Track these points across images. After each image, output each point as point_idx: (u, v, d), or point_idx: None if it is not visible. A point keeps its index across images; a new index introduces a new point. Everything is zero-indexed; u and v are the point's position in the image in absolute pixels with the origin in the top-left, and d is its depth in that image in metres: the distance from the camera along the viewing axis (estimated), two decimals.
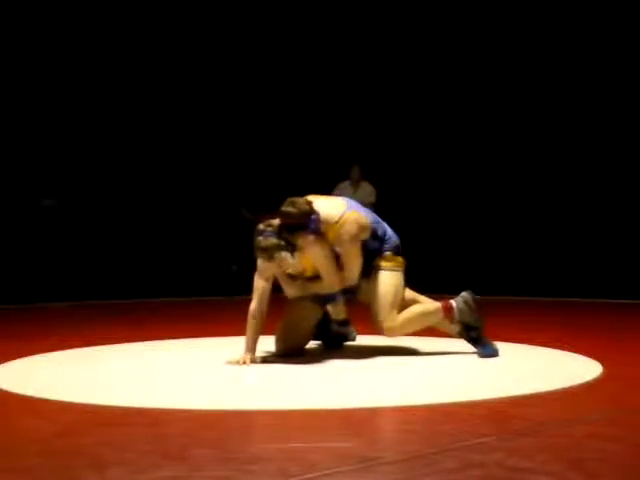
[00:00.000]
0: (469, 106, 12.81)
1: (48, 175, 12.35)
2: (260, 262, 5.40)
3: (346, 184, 11.41)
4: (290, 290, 5.62)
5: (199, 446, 3.30)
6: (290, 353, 5.56)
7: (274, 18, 13.48)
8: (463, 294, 5.65)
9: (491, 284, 9.74)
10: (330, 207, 5.48)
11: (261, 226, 5.32)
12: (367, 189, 11.33)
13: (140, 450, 3.27)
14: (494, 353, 5.54)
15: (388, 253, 5.61)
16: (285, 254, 5.24)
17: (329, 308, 5.74)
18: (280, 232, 5.28)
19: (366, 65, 13.48)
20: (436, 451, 3.21)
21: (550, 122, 12.24)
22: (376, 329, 5.57)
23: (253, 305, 5.41)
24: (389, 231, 5.69)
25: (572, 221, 11.96)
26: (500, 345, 5.88)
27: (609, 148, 11.78)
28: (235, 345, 5.60)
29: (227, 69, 13.39)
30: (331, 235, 5.42)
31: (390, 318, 5.49)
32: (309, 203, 5.35)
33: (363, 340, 6.14)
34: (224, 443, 3.36)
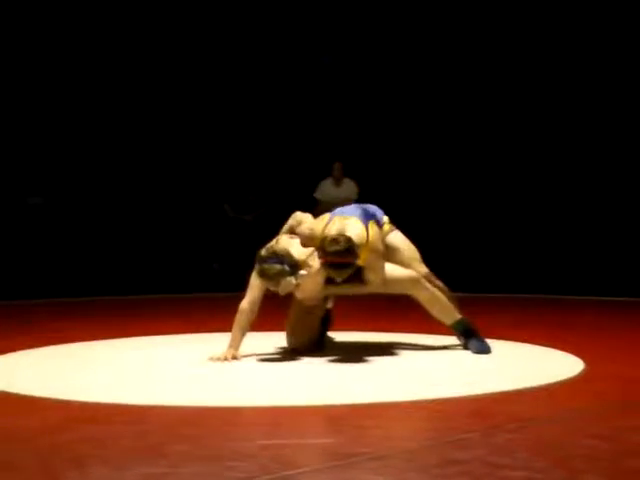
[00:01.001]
0: (460, 103, 12.80)
1: (35, 173, 12.31)
2: (254, 273, 5.35)
3: (328, 182, 11.39)
4: (302, 294, 5.45)
5: (180, 442, 3.28)
6: (301, 348, 5.53)
7: (262, 17, 13.45)
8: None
9: (474, 281, 9.76)
10: (354, 229, 5.34)
11: (263, 252, 5.23)
12: (349, 186, 11.31)
13: (121, 447, 3.25)
14: (487, 350, 5.51)
15: (385, 221, 5.73)
16: (290, 279, 5.18)
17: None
18: (327, 267, 5.15)
19: (350, 63, 13.47)
20: (418, 447, 3.20)
21: (549, 121, 12.24)
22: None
23: (245, 302, 5.37)
24: (373, 209, 5.73)
25: (556, 218, 11.98)
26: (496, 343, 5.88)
27: (607, 147, 11.80)
28: (217, 342, 5.58)
29: (215, 68, 13.36)
30: (363, 257, 5.28)
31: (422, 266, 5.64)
32: (350, 239, 5.17)
33: (347, 337, 6.14)
34: (205, 440, 3.35)
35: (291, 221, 5.66)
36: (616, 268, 11.06)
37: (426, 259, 5.81)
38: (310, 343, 5.63)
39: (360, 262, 5.23)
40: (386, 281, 5.42)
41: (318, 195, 11.12)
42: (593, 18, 11.97)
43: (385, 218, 5.77)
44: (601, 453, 3.11)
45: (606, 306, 9.22)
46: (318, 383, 4.61)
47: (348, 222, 5.41)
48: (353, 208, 5.71)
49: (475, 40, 12.73)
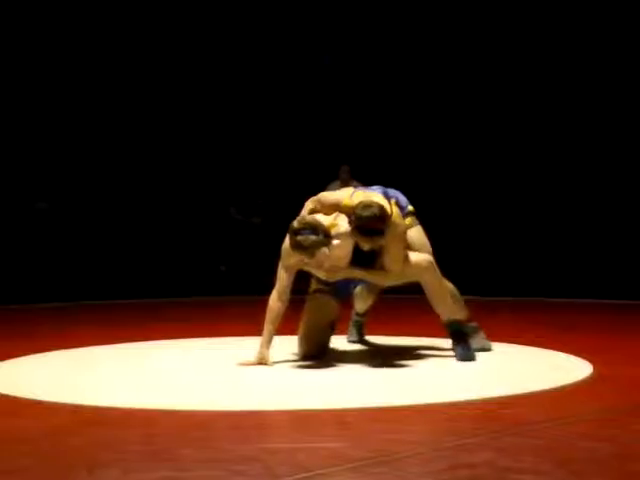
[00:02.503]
0: (465, 105, 12.80)
1: (42, 178, 12.33)
2: (283, 251, 5.29)
3: (336, 184, 11.39)
4: (325, 274, 5.37)
5: (188, 446, 3.29)
6: (315, 354, 5.48)
7: (265, 18, 13.46)
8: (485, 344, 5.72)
9: (478, 285, 9.74)
10: (381, 201, 5.28)
11: (295, 224, 5.12)
12: None
13: (129, 451, 3.26)
14: (471, 358, 5.43)
15: (409, 211, 5.67)
16: (324, 249, 5.11)
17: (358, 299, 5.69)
18: (356, 234, 5.11)
19: (356, 65, 13.48)
20: (425, 451, 3.21)
21: (554, 126, 12.23)
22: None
23: (273, 294, 5.30)
24: (395, 193, 5.68)
25: (559, 221, 11.97)
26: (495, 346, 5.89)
27: (607, 152, 11.79)
28: (226, 345, 5.59)
29: (216, 69, 13.37)
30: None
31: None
32: (382, 207, 5.16)
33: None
34: (213, 443, 3.36)
35: (311, 205, 5.51)
36: (622, 270, 11.04)
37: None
38: (323, 349, 5.60)
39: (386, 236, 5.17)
40: (403, 269, 5.35)
41: None
42: (593, 17, 11.95)
43: (410, 207, 5.71)
44: (607, 457, 3.12)
45: (612, 309, 9.21)
46: (326, 387, 4.62)
47: (373, 196, 5.36)
48: (376, 188, 5.63)
49: (477, 39, 12.73)
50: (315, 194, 5.61)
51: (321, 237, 5.08)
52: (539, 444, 3.30)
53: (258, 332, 5.38)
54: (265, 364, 5.20)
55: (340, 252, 5.25)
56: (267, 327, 5.27)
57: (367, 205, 5.12)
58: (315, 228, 5.10)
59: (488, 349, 5.79)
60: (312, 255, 5.08)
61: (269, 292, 5.46)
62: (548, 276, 11.25)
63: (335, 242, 5.17)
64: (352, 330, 6.37)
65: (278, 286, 5.33)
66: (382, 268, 5.37)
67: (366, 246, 5.19)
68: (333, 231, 5.21)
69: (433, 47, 12.97)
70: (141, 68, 13.04)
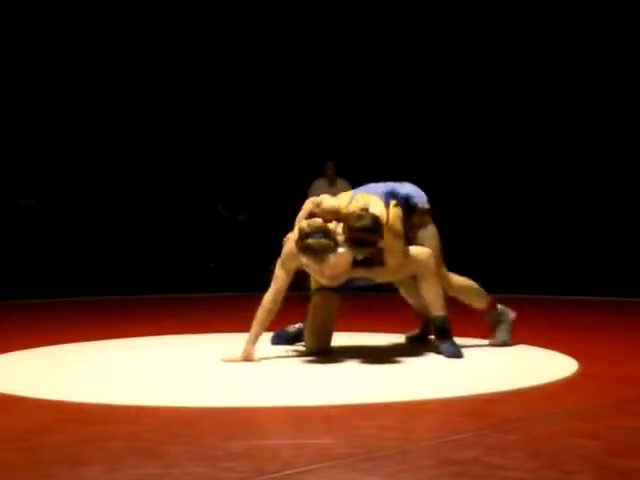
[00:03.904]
0: (458, 105, 12.79)
1: (26, 174, 12.30)
2: (285, 252, 5.25)
3: (322, 181, 11.35)
4: (326, 280, 5.27)
5: (174, 443, 3.28)
6: (322, 351, 5.46)
7: (258, 18, 13.44)
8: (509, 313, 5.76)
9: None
10: (377, 208, 5.24)
11: (306, 227, 5.05)
12: (343, 186, 11.20)
13: (115, 447, 3.24)
14: (459, 354, 5.41)
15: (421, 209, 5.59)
16: (331, 256, 5.03)
17: None
18: (350, 244, 5.05)
19: (346, 63, 13.47)
20: (413, 448, 3.20)
21: (557, 125, 12.23)
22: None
23: (268, 294, 5.25)
24: (409, 191, 5.61)
25: (550, 218, 11.99)
26: (477, 341, 5.90)
27: (607, 152, 11.81)
28: (214, 342, 5.58)
29: (205, 68, 13.35)
30: (384, 238, 5.18)
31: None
32: (376, 218, 5.08)
33: (342, 337, 6.13)
34: (199, 440, 3.35)
35: (309, 205, 5.47)
36: (611, 268, 11.07)
37: None
38: (328, 346, 5.57)
39: (381, 243, 5.14)
40: (404, 263, 5.33)
41: (312, 195, 11.02)
42: (592, 17, 11.97)
43: (425, 205, 5.63)
44: (594, 453, 3.11)
45: (600, 306, 9.23)
46: (313, 383, 4.61)
47: (371, 201, 5.31)
48: (381, 186, 5.56)
49: (473, 39, 12.72)
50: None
51: (332, 242, 5.03)
52: (527, 441, 3.29)
53: (247, 329, 5.36)
54: (251, 361, 5.18)
55: (343, 260, 5.17)
56: (256, 325, 5.24)
57: (359, 216, 5.06)
58: (327, 232, 5.04)
59: (507, 344, 5.79)
60: (321, 260, 5.02)
61: (260, 289, 5.42)
62: (537, 273, 11.27)
63: (340, 250, 5.11)
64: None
65: (275, 287, 5.27)
66: (381, 263, 5.34)
67: (359, 256, 5.17)
68: (338, 238, 5.15)
69: (429, 47, 12.96)
70: (129, 65, 13.01)
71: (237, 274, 11.00)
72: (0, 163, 12.13)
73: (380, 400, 4.08)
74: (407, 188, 5.64)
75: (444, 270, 5.65)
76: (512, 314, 5.90)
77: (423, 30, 12.98)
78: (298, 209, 5.64)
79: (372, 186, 5.58)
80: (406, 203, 5.51)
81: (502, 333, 5.83)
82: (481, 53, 12.69)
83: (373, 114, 13.17)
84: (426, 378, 4.78)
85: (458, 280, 5.73)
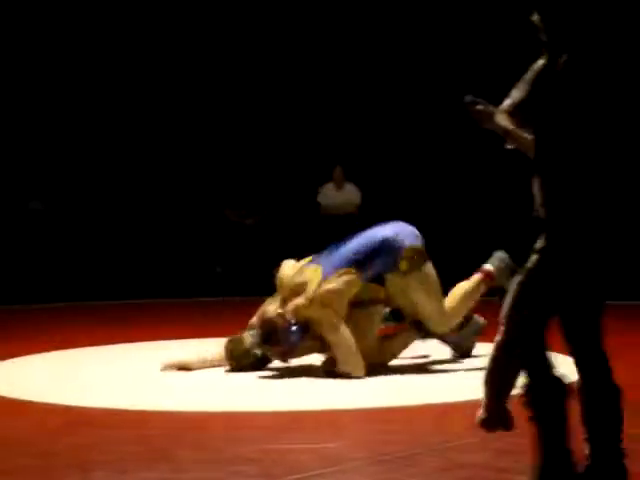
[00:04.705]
0: (458, 107, 12.75)
1: (35, 178, 12.31)
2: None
3: (330, 186, 11.24)
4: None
5: (183, 447, 3.29)
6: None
7: (260, 20, 13.46)
8: (496, 254, 5.60)
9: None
10: (312, 285, 5.01)
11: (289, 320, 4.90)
12: (351, 190, 11.07)
13: (125, 451, 3.26)
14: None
15: (407, 249, 5.24)
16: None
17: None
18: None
19: (348, 66, 13.47)
20: (420, 452, 3.20)
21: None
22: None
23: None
24: (396, 235, 5.32)
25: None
26: (484, 346, 5.88)
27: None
28: (220, 346, 5.54)
29: (213, 71, 13.36)
30: (308, 313, 4.93)
31: (442, 323, 5.31)
32: (268, 328, 4.86)
33: None
34: (208, 444, 3.36)
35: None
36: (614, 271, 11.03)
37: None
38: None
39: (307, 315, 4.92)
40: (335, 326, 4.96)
41: (320, 200, 10.86)
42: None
43: (413, 243, 5.28)
44: None
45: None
46: (320, 389, 4.60)
47: (314, 277, 5.06)
48: (351, 249, 5.21)
49: (472, 40, 12.72)
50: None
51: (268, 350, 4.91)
52: (533, 445, 3.29)
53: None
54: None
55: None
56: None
57: (257, 326, 4.97)
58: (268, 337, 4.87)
59: (464, 350, 5.61)
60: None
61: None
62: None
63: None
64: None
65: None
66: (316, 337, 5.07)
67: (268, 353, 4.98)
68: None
69: (432, 51, 12.95)
70: (136, 70, 13.01)
71: (244, 279, 10.98)
72: (10, 168, 12.14)
73: (386, 405, 4.08)
74: (402, 232, 5.35)
75: (445, 309, 5.43)
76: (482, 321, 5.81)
77: (423, 33, 12.99)
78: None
79: (340, 252, 5.21)
80: (379, 258, 5.15)
81: (465, 335, 5.73)
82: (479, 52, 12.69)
83: (379, 118, 13.15)
84: (432, 383, 4.77)
85: (454, 301, 5.59)
